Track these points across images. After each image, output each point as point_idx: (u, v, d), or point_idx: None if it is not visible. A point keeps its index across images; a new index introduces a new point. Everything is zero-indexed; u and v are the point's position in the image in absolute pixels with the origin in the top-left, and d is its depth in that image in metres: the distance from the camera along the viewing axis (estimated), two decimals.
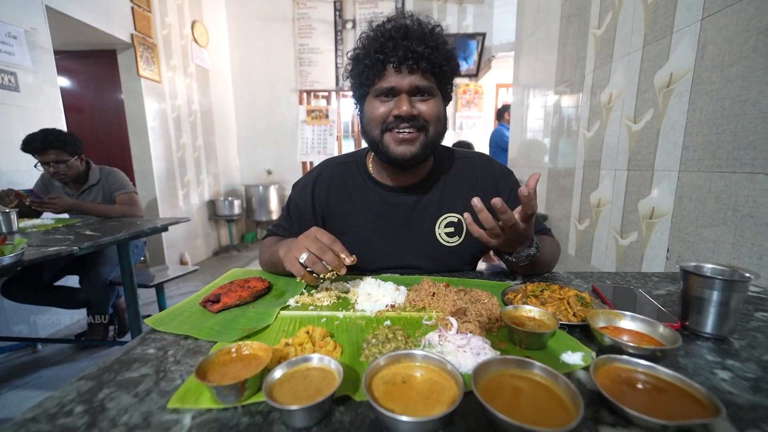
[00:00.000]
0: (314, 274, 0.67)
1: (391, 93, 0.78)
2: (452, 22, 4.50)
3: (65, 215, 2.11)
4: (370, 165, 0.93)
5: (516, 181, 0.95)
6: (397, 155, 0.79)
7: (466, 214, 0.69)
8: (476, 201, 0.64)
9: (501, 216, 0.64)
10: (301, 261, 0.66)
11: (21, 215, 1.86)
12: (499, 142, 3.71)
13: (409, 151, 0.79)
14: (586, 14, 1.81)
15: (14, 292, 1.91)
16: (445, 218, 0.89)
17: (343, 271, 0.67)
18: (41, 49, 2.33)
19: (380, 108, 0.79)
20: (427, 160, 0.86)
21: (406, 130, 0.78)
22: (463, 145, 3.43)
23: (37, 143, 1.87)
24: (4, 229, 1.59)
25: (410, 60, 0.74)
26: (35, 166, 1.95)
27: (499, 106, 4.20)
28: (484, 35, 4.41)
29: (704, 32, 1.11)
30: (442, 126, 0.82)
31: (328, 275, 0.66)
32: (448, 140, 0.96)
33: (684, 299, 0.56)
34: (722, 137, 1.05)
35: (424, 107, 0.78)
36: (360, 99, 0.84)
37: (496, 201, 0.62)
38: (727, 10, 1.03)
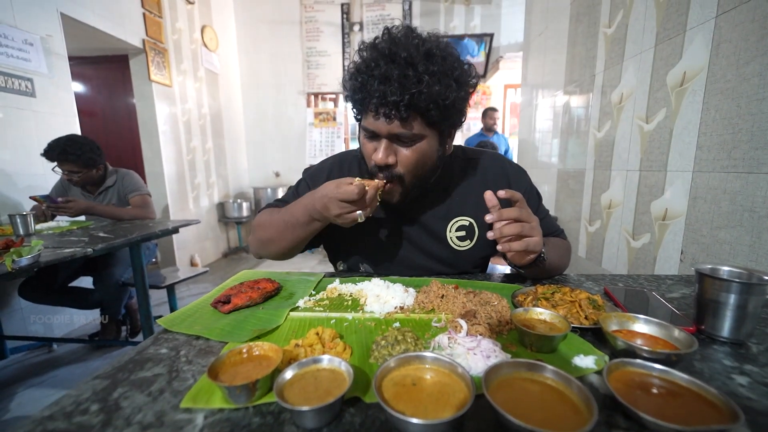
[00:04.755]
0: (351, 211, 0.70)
1: (374, 135, 0.73)
2: (459, 23, 4.48)
3: (80, 218, 2.16)
4: None
5: (529, 180, 0.92)
6: (383, 198, 0.77)
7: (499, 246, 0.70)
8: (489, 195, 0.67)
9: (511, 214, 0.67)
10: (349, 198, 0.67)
11: (37, 218, 1.91)
12: None
13: (391, 198, 0.79)
14: (596, 13, 1.80)
15: (31, 292, 1.96)
16: (456, 222, 0.87)
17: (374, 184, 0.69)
18: (56, 56, 2.38)
19: (367, 145, 0.75)
20: (419, 194, 0.82)
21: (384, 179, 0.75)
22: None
23: (54, 154, 1.91)
24: (21, 231, 1.64)
25: (385, 107, 0.66)
26: (53, 169, 2.00)
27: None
28: (492, 36, 4.39)
29: (719, 30, 1.09)
30: (426, 168, 0.76)
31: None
32: (458, 142, 0.95)
33: (699, 302, 0.55)
34: (738, 137, 1.03)
35: (404, 154, 0.72)
36: (357, 120, 0.78)
37: (501, 193, 0.67)
38: (742, 6, 1.01)
